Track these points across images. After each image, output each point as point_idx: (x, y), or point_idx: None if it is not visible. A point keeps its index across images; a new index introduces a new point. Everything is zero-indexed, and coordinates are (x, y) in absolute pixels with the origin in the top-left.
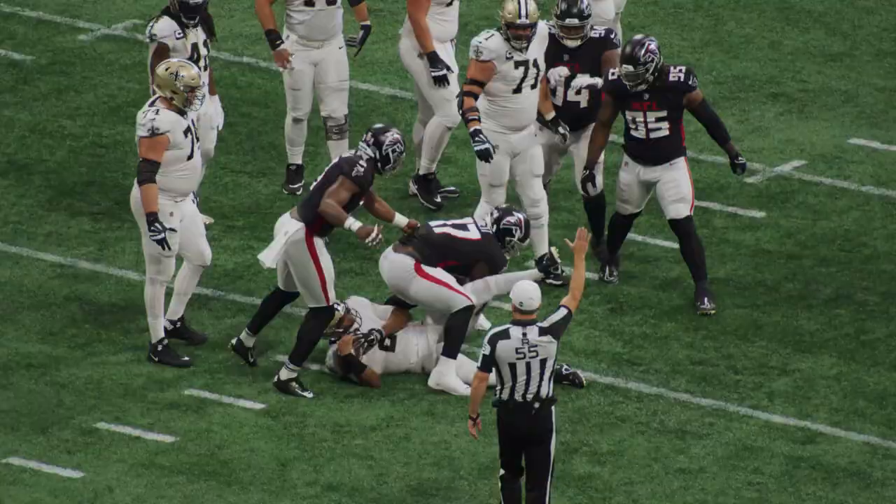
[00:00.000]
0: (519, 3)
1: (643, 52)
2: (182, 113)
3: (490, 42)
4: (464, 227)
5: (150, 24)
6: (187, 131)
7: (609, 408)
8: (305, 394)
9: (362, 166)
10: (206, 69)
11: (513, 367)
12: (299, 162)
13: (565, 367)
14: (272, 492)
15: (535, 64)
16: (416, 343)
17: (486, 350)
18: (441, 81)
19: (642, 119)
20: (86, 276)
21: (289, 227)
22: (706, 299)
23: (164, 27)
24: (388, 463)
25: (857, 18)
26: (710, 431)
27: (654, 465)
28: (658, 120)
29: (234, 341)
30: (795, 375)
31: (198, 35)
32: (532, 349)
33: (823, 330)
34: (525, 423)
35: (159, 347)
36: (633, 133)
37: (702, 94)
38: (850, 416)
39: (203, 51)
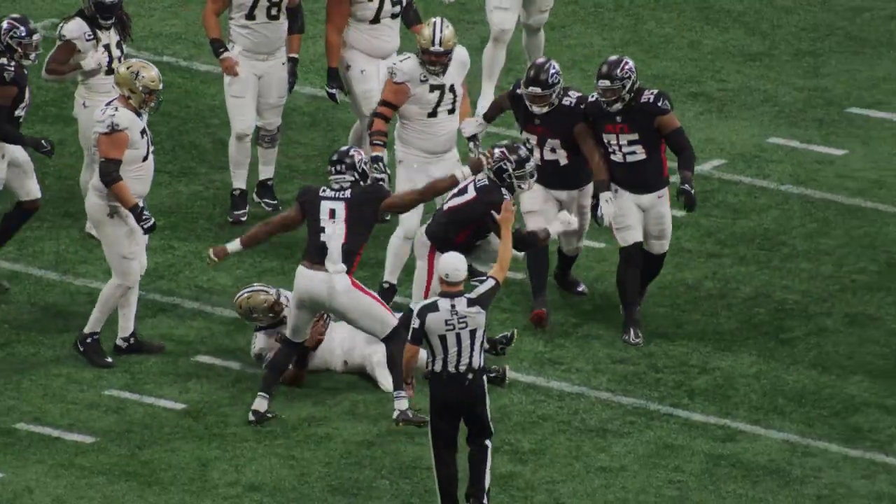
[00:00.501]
0: (434, 29)
1: (620, 68)
2: (138, 113)
3: (404, 64)
4: (464, 191)
5: (61, 24)
6: (143, 132)
7: (531, 407)
8: (425, 417)
9: (382, 182)
10: None
11: (443, 338)
12: (243, 187)
13: (492, 368)
14: (193, 492)
15: (452, 89)
16: (341, 337)
17: (416, 323)
18: (331, 98)
19: (616, 142)
20: (4, 276)
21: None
22: (634, 332)
23: (74, 28)
24: (310, 462)
25: (775, 18)
26: (631, 430)
27: (576, 464)
28: (631, 143)
29: (251, 416)
30: (715, 374)
31: (111, 36)
32: (461, 320)
33: (743, 328)
34: (459, 394)
35: (89, 339)
36: (613, 157)
37: (678, 122)
38: (769, 414)
39: (116, 52)
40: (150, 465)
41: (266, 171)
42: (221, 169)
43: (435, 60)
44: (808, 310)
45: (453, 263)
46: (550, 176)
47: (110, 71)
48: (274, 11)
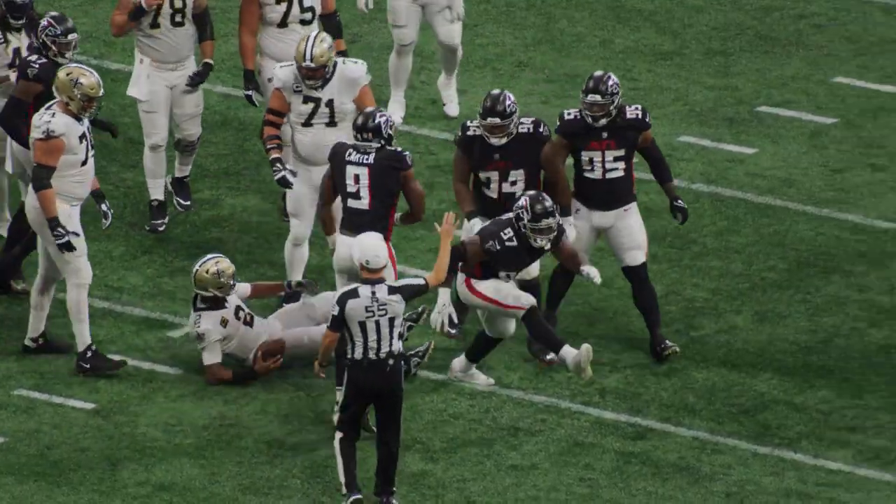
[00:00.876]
0: (307, 45)
1: (610, 83)
2: (78, 118)
3: (281, 71)
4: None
5: None
6: (83, 137)
7: (442, 405)
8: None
9: (406, 154)
10: None
11: (363, 325)
12: (161, 198)
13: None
14: (103, 492)
15: (330, 104)
16: (269, 333)
17: (335, 311)
18: (248, 100)
19: (600, 159)
20: None
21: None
22: (666, 341)
23: None
24: (221, 462)
25: (686, 17)
26: (542, 428)
27: (487, 462)
28: (616, 160)
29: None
30: (626, 372)
31: (20, 39)
32: (381, 307)
33: None
34: (379, 380)
35: (88, 354)
36: (588, 175)
37: (651, 134)
38: (679, 412)
39: (26, 55)
40: (59, 465)
41: (182, 171)
42: (132, 167)
43: (308, 75)
44: (718, 307)
45: (373, 249)
46: (504, 210)
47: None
48: (178, 18)
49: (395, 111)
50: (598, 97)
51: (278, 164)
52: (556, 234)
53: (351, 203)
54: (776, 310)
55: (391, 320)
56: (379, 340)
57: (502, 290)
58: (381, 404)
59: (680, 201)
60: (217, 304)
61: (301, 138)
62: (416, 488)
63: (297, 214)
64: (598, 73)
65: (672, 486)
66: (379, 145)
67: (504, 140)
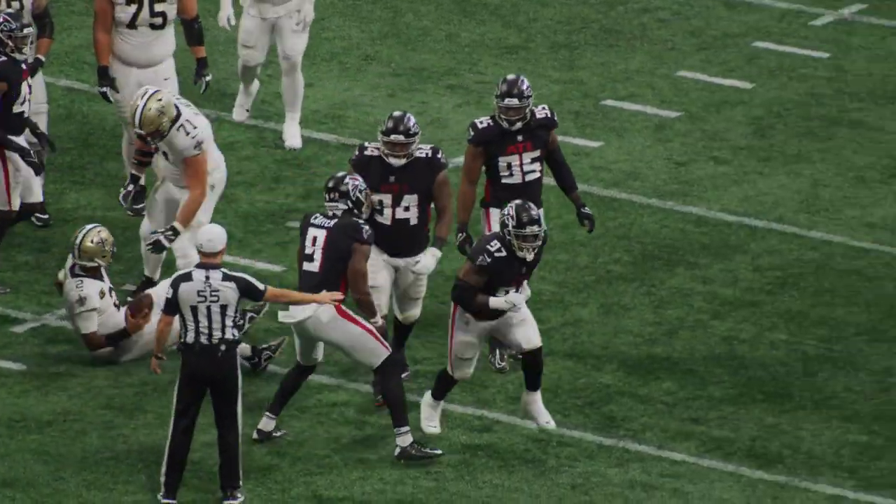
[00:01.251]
0: (136, 106)
1: (524, 86)
2: None
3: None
4: None
5: None
6: None
7: (290, 400)
8: (436, 451)
9: (366, 228)
10: None
11: (194, 309)
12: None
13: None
14: None
15: (165, 155)
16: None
17: (169, 293)
18: (104, 97)
19: (518, 162)
20: None
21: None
22: (504, 355)
23: None
24: (65, 458)
25: (532, 11)
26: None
27: (334, 457)
28: (533, 161)
29: (255, 434)
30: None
31: None
32: (213, 293)
33: None
34: (210, 365)
35: None
36: (506, 180)
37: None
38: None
39: None
40: None
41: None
42: None
43: (142, 137)
44: (563, 300)
45: (209, 234)
46: (396, 238)
47: None
48: None
49: (242, 104)
50: (514, 101)
51: (126, 181)
52: (541, 245)
53: (305, 266)
54: (621, 302)
55: (223, 307)
56: (210, 326)
57: (457, 349)
58: (215, 391)
59: (586, 208)
60: (96, 275)
61: (163, 164)
62: (263, 482)
63: (147, 214)
64: (511, 76)
65: (518, 479)
66: (346, 208)
67: (403, 161)
